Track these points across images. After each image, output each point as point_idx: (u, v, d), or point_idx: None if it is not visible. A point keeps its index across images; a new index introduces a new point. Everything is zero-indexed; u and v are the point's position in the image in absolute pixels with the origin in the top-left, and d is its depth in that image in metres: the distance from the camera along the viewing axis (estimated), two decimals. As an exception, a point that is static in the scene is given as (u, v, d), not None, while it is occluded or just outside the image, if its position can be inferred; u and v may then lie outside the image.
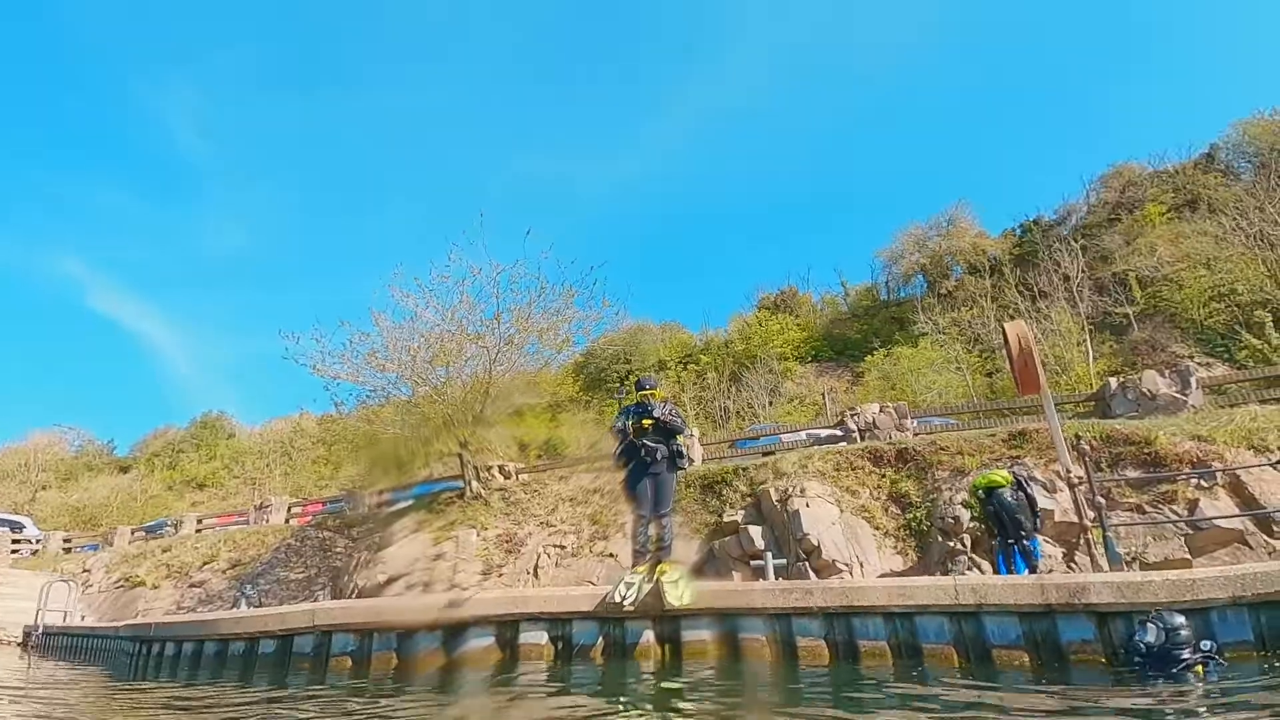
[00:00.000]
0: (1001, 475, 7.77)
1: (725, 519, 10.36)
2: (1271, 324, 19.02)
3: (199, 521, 21.29)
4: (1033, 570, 7.32)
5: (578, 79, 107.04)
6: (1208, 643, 4.02)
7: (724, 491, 10.89)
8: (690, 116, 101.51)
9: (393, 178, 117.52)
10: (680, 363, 34.56)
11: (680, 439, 6.18)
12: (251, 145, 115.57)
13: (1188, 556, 7.68)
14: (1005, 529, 7.52)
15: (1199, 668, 3.89)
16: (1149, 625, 4.03)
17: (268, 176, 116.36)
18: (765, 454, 12.68)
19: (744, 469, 11.12)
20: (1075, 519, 7.47)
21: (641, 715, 3.83)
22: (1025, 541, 7.41)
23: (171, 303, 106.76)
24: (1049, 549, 8.35)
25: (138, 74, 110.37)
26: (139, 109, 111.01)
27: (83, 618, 15.74)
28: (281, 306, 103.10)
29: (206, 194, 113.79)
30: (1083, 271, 25.69)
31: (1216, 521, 7.66)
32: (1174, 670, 3.87)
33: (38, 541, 24.13)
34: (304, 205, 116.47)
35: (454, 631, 5.97)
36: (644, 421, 6.02)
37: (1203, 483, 8.20)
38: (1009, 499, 7.50)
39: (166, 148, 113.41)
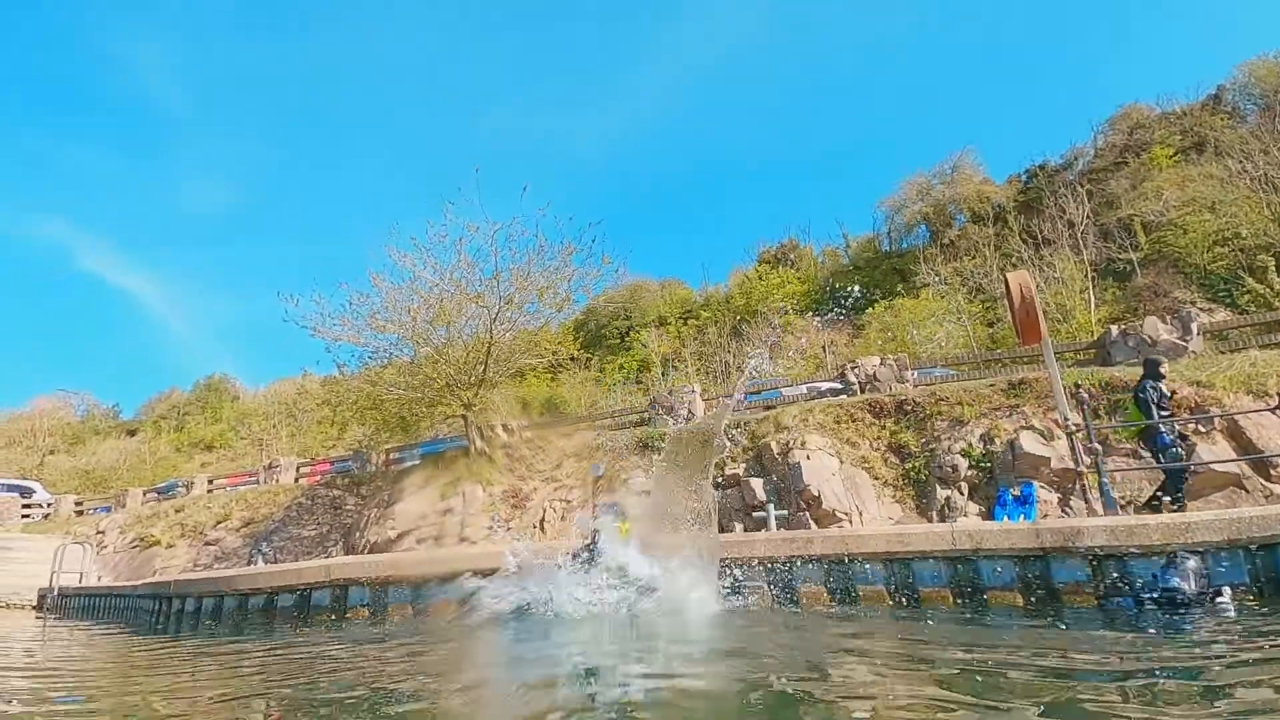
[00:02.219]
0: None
1: (727, 472, 10.53)
2: (1274, 268, 18.87)
3: (210, 482, 21.72)
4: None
5: (559, 26, 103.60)
6: (1227, 588, 4.13)
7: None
8: (682, 66, 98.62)
9: (379, 129, 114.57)
10: (680, 318, 34.52)
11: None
12: (229, 95, 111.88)
13: (1181, 500, 7.82)
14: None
15: (1227, 605, 3.99)
16: (1184, 568, 4.06)
17: (247, 130, 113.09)
18: (767, 408, 12.80)
19: (745, 423, 11.24)
20: (1071, 465, 7.59)
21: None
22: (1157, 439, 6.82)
23: (161, 262, 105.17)
24: (1044, 494, 8.51)
25: (108, 20, 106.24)
26: (108, 57, 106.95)
27: (99, 578, 16.14)
28: (273, 263, 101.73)
29: (185, 147, 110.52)
30: (1088, 218, 25.36)
31: (1212, 465, 7.77)
32: (1199, 608, 3.95)
33: (48, 505, 24.51)
34: (287, 159, 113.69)
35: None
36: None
37: (1200, 427, 8.29)
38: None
39: (140, 99, 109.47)
